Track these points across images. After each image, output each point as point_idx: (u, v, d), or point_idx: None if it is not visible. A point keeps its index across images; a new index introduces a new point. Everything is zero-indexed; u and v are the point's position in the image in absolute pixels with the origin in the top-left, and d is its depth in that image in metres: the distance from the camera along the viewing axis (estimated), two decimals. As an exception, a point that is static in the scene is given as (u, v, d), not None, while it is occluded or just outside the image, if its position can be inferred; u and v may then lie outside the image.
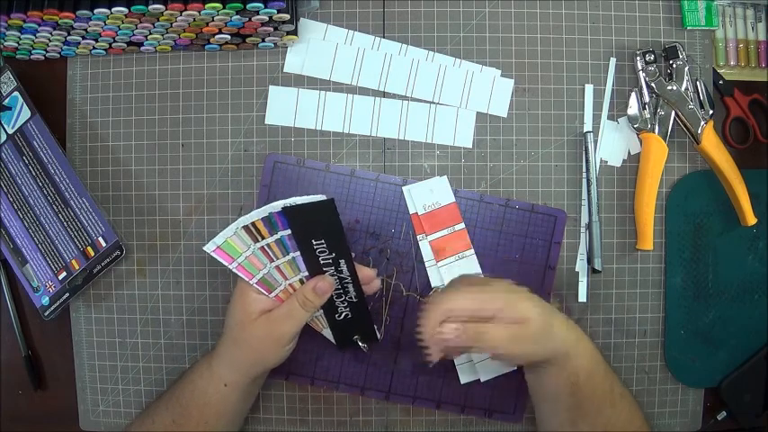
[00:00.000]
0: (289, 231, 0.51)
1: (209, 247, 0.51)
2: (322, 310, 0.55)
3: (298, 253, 0.52)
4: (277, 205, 0.50)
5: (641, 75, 0.59)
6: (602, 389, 0.50)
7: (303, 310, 0.52)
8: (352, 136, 0.61)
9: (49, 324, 0.60)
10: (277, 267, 0.52)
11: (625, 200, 0.61)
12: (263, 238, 0.51)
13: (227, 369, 0.52)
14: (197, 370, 0.54)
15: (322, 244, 0.51)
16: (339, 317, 0.55)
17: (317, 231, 0.51)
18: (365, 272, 0.54)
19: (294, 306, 0.52)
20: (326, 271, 0.53)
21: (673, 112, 0.59)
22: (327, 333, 0.57)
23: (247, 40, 0.58)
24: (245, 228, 0.51)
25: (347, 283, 0.54)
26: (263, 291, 0.52)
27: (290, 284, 0.53)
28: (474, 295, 0.49)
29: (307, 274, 0.53)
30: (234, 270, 0.51)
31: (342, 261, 0.52)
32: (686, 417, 0.62)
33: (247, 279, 0.52)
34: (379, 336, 0.57)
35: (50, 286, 0.59)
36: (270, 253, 0.52)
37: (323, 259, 0.52)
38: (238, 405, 0.54)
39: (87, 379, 0.62)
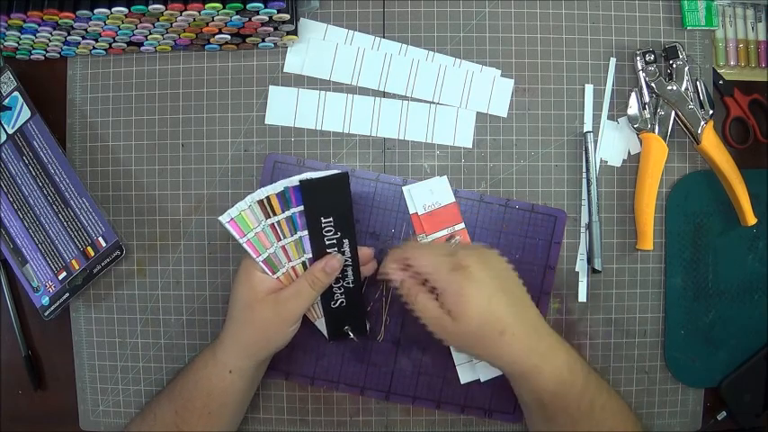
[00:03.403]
0: (300, 208, 0.52)
1: (223, 218, 0.52)
2: (320, 298, 0.55)
3: (305, 232, 0.53)
4: (294, 180, 0.51)
5: (641, 75, 0.59)
6: (575, 405, 0.49)
7: (312, 289, 0.52)
8: (352, 136, 0.61)
9: (49, 324, 0.60)
10: (283, 247, 0.53)
11: (625, 200, 0.61)
12: (274, 214, 0.52)
13: (233, 355, 0.52)
14: (200, 360, 0.54)
15: (330, 222, 0.53)
16: (334, 304, 0.56)
17: (328, 208, 0.52)
18: (364, 251, 0.55)
19: (303, 286, 0.52)
20: (330, 252, 0.53)
21: (673, 112, 0.59)
22: (320, 324, 0.57)
23: (247, 40, 0.58)
24: (260, 202, 0.52)
25: (347, 265, 0.55)
26: (266, 270, 0.53)
27: (292, 267, 0.54)
28: (435, 258, 0.49)
29: (310, 256, 0.54)
30: (244, 245, 0.52)
31: (345, 241, 0.53)
32: (686, 417, 0.62)
33: (254, 256, 0.52)
34: (368, 327, 0.58)
35: (50, 286, 0.59)
36: (279, 231, 0.53)
37: (328, 239, 0.53)
38: (242, 393, 0.54)
39: (87, 379, 0.62)
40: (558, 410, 0.49)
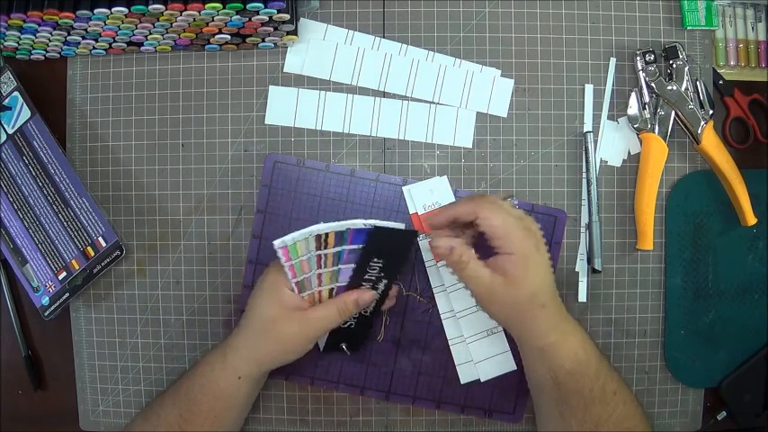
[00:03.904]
0: (353, 246, 0.52)
1: (277, 243, 0.50)
2: None
3: (348, 266, 0.53)
4: (357, 223, 0.51)
5: (641, 75, 0.59)
6: (589, 386, 0.50)
7: (339, 316, 0.53)
8: (352, 136, 0.61)
9: (49, 324, 0.60)
10: (319, 275, 0.53)
11: (625, 200, 0.61)
12: (326, 247, 0.52)
13: (245, 361, 0.53)
14: (208, 363, 0.54)
15: (379, 263, 0.52)
16: (344, 324, 0.55)
17: (385, 252, 0.52)
18: (392, 290, 0.56)
19: (332, 311, 0.53)
20: (363, 285, 0.54)
21: (673, 112, 0.59)
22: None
23: (247, 40, 0.58)
24: (317, 236, 0.51)
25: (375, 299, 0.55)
26: (295, 289, 0.52)
27: (318, 291, 0.53)
28: (509, 220, 0.49)
29: (339, 285, 0.54)
30: (286, 268, 0.51)
31: (384, 282, 0.54)
32: (686, 417, 0.62)
33: (290, 277, 0.52)
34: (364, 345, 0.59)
35: (50, 286, 0.59)
36: (322, 262, 0.52)
37: (369, 275, 0.53)
38: (248, 397, 0.55)
39: (87, 379, 0.62)
40: (572, 392, 0.50)
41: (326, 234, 0.51)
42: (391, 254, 0.52)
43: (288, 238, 0.50)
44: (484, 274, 0.50)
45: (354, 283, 0.53)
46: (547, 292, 0.50)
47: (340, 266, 0.53)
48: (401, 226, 0.52)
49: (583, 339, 0.51)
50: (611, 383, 0.51)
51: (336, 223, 0.51)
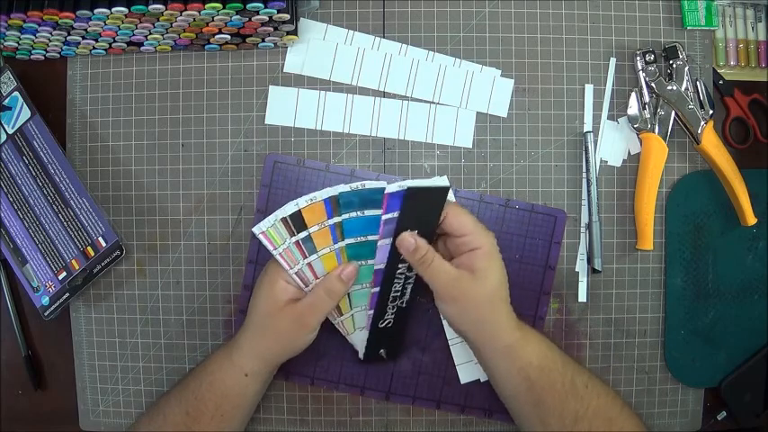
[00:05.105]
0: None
1: (255, 230, 0.50)
2: (352, 313, 0.55)
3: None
4: (327, 192, 0.50)
5: (641, 75, 0.60)
6: (560, 382, 0.50)
7: (328, 298, 0.52)
8: (352, 136, 0.61)
9: (49, 324, 0.60)
10: (309, 264, 0.52)
11: (625, 200, 0.61)
12: (300, 231, 0.51)
13: (250, 359, 0.53)
14: (215, 362, 0.54)
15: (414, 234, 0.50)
16: (382, 323, 0.55)
17: (418, 220, 0.50)
18: None
19: (319, 295, 0.52)
20: (399, 268, 0.52)
21: (673, 112, 0.59)
22: (354, 339, 0.56)
23: (247, 40, 0.58)
24: (283, 220, 0.50)
25: (408, 283, 0.54)
26: (299, 282, 0.52)
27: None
28: (473, 219, 0.51)
29: (376, 266, 0.52)
30: (277, 257, 0.51)
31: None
32: (686, 417, 0.62)
33: (287, 268, 0.51)
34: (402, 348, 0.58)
35: (50, 286, 0.59)
36: (304, 249, 0.51)
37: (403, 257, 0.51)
38: (255, 395, 0.55)
39: (87, 379, 0.62)
40: (545, 389, 0.50)
41: (290, 216, 0.50)
42: (423, 219, 0.50)
43: (263, 224, 0.50)
44: (450, 269, 0.50)
45: (392, 263, 0.51)
46: (506, 287, 0.52)
47: (330, 248, 0.52)
48: (437, 183, 0.50)
49: (541, 336, 0.53)
50: (581, 376, 0.51)
51: (306, 197, 0.50)
